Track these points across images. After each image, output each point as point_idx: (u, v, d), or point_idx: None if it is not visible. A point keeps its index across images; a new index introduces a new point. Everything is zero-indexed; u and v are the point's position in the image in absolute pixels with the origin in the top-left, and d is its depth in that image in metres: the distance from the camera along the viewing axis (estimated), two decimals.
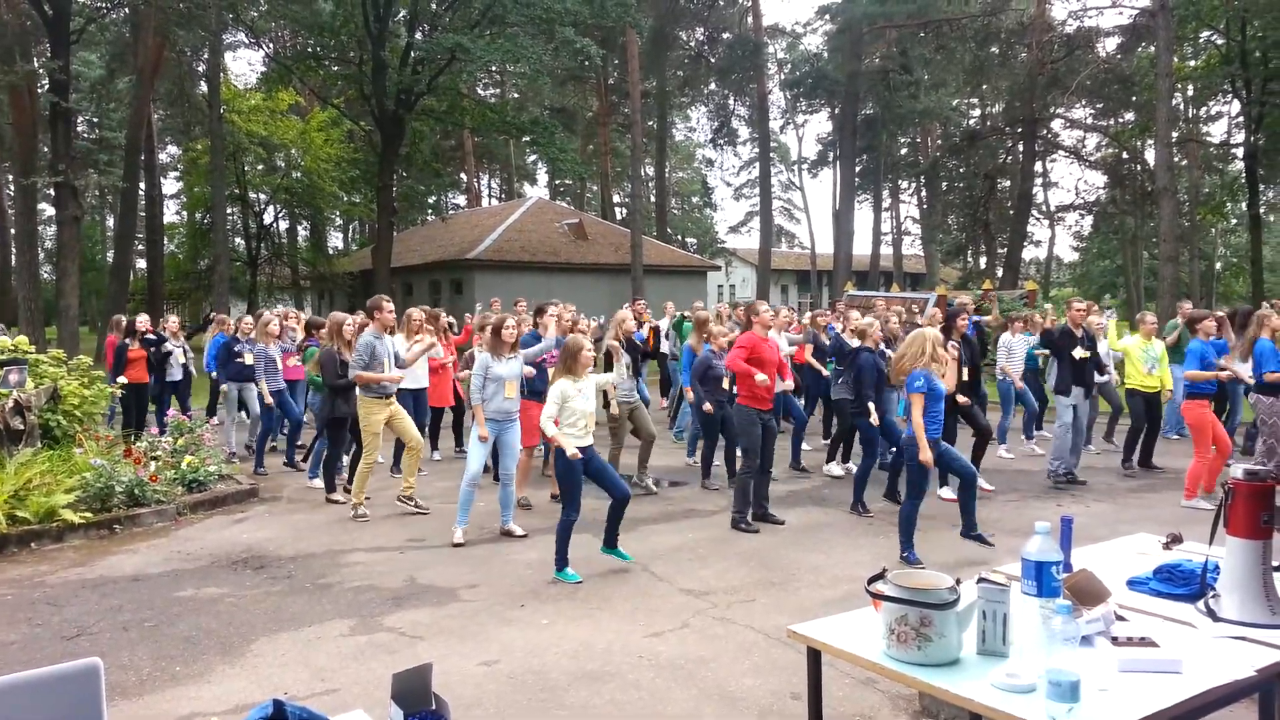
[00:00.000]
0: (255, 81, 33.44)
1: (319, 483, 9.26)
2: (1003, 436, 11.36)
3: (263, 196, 33.44)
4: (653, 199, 42.66)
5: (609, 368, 8.82)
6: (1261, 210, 29.77)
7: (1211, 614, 2.86)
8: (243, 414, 11.32)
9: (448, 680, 4.48)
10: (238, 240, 33.65)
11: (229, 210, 29.89)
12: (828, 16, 38.59)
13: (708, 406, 9.07)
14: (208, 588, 6.19)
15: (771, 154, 43.95)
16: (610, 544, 6.58)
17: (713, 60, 40.84)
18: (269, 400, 10.31)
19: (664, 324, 14.59)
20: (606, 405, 8.83)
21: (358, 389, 8.13)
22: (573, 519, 6.28)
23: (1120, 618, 2.86)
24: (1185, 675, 2.47)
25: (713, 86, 44.43)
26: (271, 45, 32.61)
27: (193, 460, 8.91)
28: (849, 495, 8.49)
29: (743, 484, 7.71)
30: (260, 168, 33.18)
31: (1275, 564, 2.84)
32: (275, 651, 5.03)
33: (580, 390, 6.33)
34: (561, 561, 6.31)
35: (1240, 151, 28.67)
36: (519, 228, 31.61)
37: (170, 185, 42.16)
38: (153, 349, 11.56)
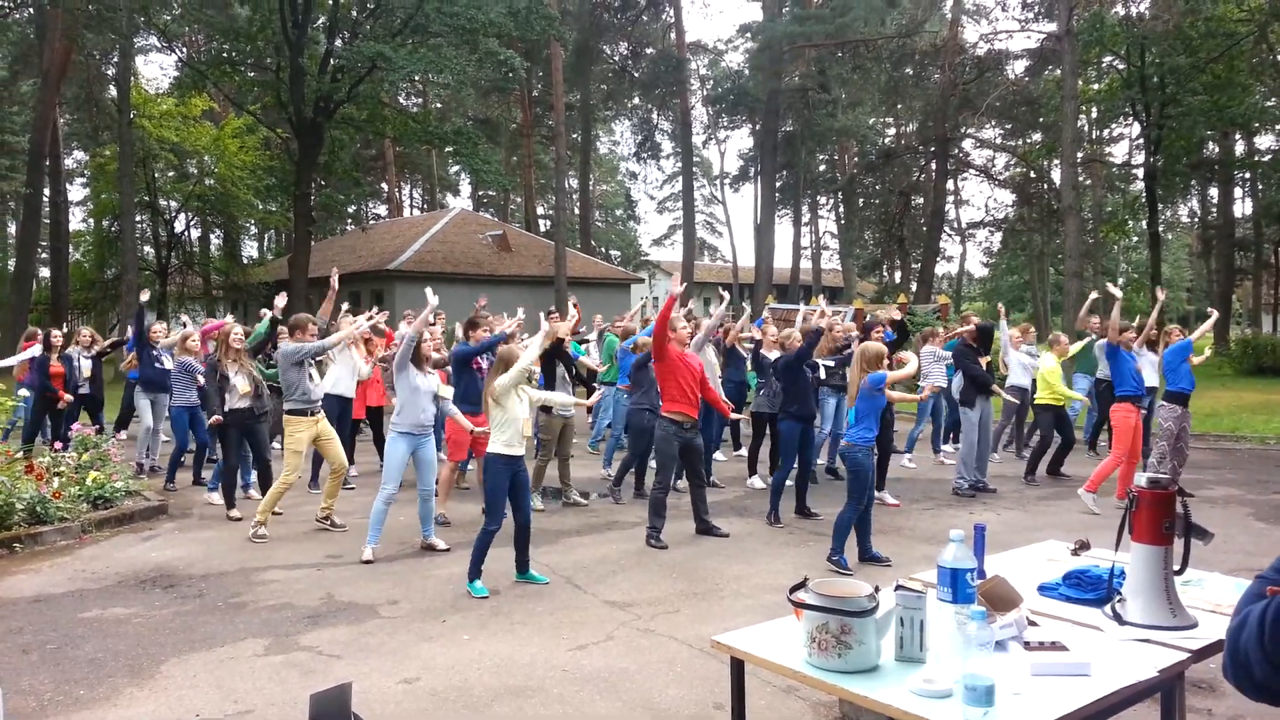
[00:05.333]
0: (167, 86, 32.46)
1: (218, 497, 8.98)
2: (910, 445, 11.62)
3: (174, 204, 32.43)
4: (576, 211, 42.55)
5: (550, 373, 8.79)
6: (1160, 228, 31.10)
7: (1118, 618, 2.96)
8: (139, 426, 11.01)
9: (367, 699, 4.40)
10: (147, 249, 32.49)
11: (138, 218, 28.92)
12: (749, 35, 39.15)
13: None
14: (114, 608, 5.97)
15: (694, 168, 44.29)
16: (523, 569, 6.48)
17: (636, 75, 41.04)
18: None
19: (593, 338, 14.41)
20: (548, 410, 8.74)
21: (284, 408, 7.88)
22: (494, 530, 6.19)
23: (1032, 623, 2.94)
24: (1093, 678, 2.56)
25: (636, 101, 44.64)
26: (185, 49, 31.60)
27: (99, 476, 8.57)
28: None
29: (655, 500, 7.65)
30: (171, 174, 32.16)
31: (1175, 569, 2.95)
32: (186, 673, 4.87)
33: (521, 400, 6.26)
34: (475, 572, 6.22)
35: (1140, 172, 29.90)
36: (441, 239, 31.26)
37: (76, 192, 40.66)
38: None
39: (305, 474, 9.79)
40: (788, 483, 8.53)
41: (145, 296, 10.52)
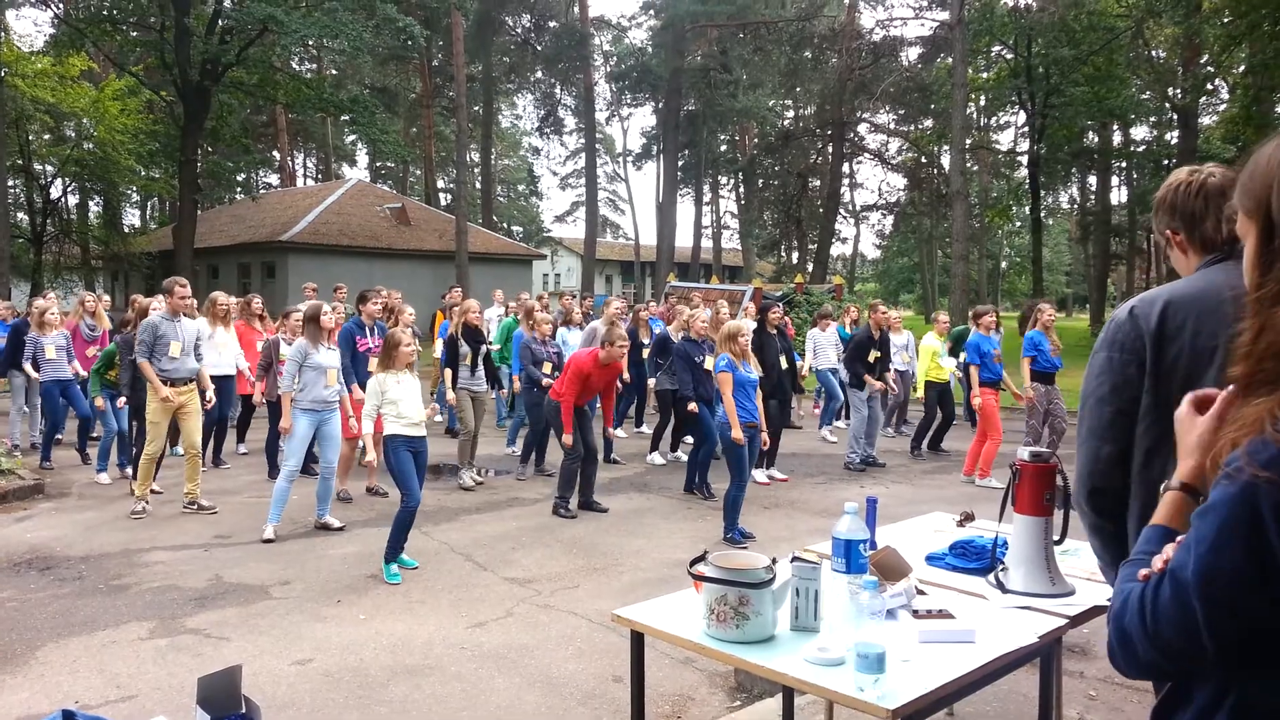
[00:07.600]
0: (43, 44, 30.63)
1: (105, 478, 8.68)
2: (825, 419, 11.94)
3: (50, 168, 30.74)
4: (478, 185, 41.95)
5: (454, 354, 8.66)
6: (1042, 214, 32.37)
7: (1001, 586, 3.09)
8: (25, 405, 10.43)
9: (258, 681, 4.29)
10: (20, 215, 30.75)
11: (10, 182, 27.29)
12: (652, 12, 39.14)
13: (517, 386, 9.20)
14: None
15: (597, 145, 44.16)
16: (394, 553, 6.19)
17: (539, 48, 40.62)
18: (33, 374, 9.56)
19: (490, 312, 14.17)
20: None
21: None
22: (413, 507, 6.01)
23: (920, 591, 3.04)
24: (978, 644, 2.66)
25: (539, 75, 44.21)
26: (61, 5, 29.88)
27: None
28: (670, 481, 8.66)
29: (567, 470, 7.73)
30: (47, 137, 30.48)
31: (1055, 539, 3.09)
32: (65, 658, 4.66)
33: (400, 383, 6.15)
34: (392, 554, 5.99)
35: (1025, 159, 31.04)
36: (337, 210, 30.44)
37: None
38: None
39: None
40: (682, 457, 8.64)
41: None
